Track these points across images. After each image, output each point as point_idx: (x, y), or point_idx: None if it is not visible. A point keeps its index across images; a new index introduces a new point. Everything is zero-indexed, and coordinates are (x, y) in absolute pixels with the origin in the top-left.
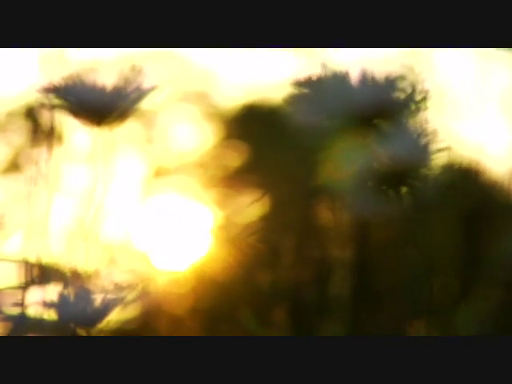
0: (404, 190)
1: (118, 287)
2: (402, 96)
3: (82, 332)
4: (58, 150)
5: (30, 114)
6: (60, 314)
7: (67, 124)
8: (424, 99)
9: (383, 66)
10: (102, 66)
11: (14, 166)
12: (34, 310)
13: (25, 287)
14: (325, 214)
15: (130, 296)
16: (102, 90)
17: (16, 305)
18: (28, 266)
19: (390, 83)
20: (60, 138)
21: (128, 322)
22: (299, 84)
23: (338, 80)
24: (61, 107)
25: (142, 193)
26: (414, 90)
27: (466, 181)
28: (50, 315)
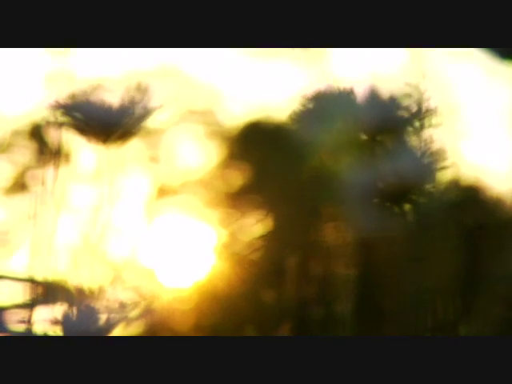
0: (408, 206)
1: (123, 305)
2: (407, 114)
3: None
4: (64, 167)
5: (37, 131)
6: (65, 331)
7: (74, 142)
8: (428, 117)
9: (388, 79)
10: (108, 83)
11: (19, 185)
12: (39, 328)
13: (30, 305)
14: (329, 232)
15: (134, 314)
16: (109, 108)
17: (22, 322)
18: (34, 283)
19: (395, 101)
20: (67, 156)
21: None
22: (306, 99)
23: (344, 96)
24: (67, 125)
25: (146, 211)
26: (418, 108)
27: (469, 198)
28: (56, 332)
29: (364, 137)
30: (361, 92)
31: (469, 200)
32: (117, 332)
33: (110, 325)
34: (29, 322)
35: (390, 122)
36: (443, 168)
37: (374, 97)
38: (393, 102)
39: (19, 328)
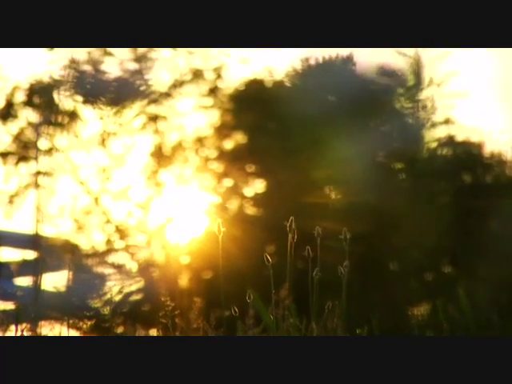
0: (404, 167)
1: (123, 267)
2: (401, 80)
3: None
4: (70, 132)
5: (45, 96)
6: (68, 287)
7: (79, 108)
8: (421, 83)
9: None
10: (114, 51)
11: (25, 146)
12: (44, 284)
13: (36, 262)
14: (326, 194)
15: (135, 272)
16: (114, 77)
17: (28, 277)
18: (38, 241)
19: (389, 68)
20: (72, 119)
21: (133, 293)
22: (304, 63)
23: (339, 64)
24: (74, 91)
25: (147, 174)
26: (413, 75)
27: (466, 155)
28: (59, 288)
29: (359, 102)
30: (357, 61)
31: (465, 157)
32: (116, 294)
33: (111, 283)
34: (35, 277)
35: (383, 87)
36: (439, 125)
37: (369, 65)
38: (387, 70)
39: (24, 283)
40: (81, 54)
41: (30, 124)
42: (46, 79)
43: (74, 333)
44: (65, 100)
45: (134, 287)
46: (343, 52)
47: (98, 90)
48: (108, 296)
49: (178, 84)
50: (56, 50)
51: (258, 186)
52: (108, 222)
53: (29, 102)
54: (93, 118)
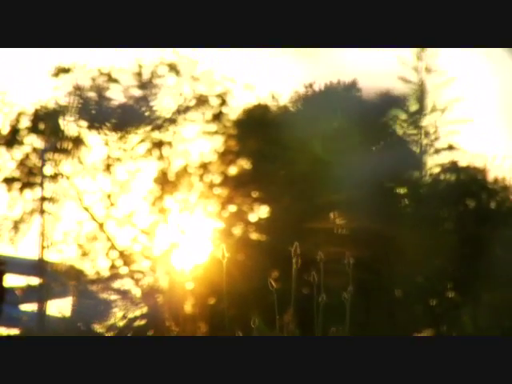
0: (407, 191)
1: (128, 292)
2: (404, 106)
3: (93, 329)
4: (74, 158)
5: (50, 122)
6: (73, 312)
7: (84, 134)
8: (425, 109)
9: (386, 75)
10: (117, 76)
11: (30, 173)
12: (49, 309)
13: (41, 287)
14: (330, 219)
15: (140, 296)
16: (119, 103)
17: (33, 302)
18: (43, 267)
19: (393, 94)
20: (77, 145)
21: (137, 318)
22: (308, 90)
23: (343, 89)
24: (79, 117)
25: (152, 199)
26: (417, 101)
27: (470, 180)
28: (64, 314)
29: (362, 128)
30: (360, 87)
31: (468, 182)
32: (120, 318)
33: (114, 307)
34: (38, 303)
35: (387, 113)
36: (442, 151)
37: (372, 91)
38: (391, 96)
39: (29, 308)
40: (85, 80)
41: (34, 150)
42: (51, 105)
43: None
44: (70, 126)
45: (138, 312)
46: (347, 78)
47: (103, 116)
48: (112, 321)
49: (182, 110)
50: (61, 76)
51: (262, 212)
52: (112, 247)
53: (34, 128)
54: (97, 143)
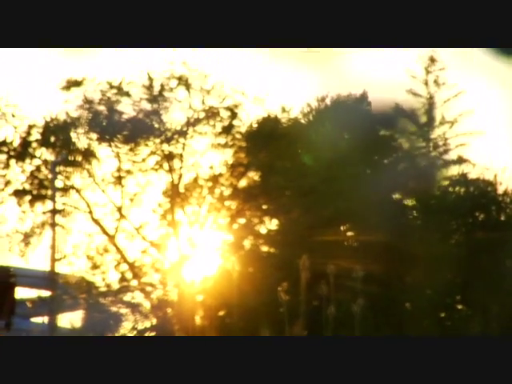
0: (417, 206)
1: (138, 305)
2: (414, 119)
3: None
4: (86, 170)
5: (61, 134)
6: (83, 324)
7: (95, 146)
8: (434, 122)
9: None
10: (127, 87)
11: (41, 185)
12: (59, 321)
13: (51, 299)
14: (338, 235)
15: (148, 308)
16: (129, 116)
17: (44, 315)
18: (55, 280)
19: (402, 109)
20: (88, 160)
21: (147, 330)
22: (320, 102)
23: (353, 103)
24: (90, 130)
25: (162, 214)
26: (426, 113)
27: (480, 193)
28: (74, 326)
29: (372, 140)
30: (370, 100)
31: (478, 195)
32: (131, 329)
33: (126, 319)
34: (48, 315)
35: (396, 126)
36: (450, 163)
37: (382, 104)
38: (401, 109)
39: (39, 320)
40: (96, 93)
41: (45, 162)
42: (61, 118)
43: None
44: (80, 138)
45: (147, 324)
46: (357, 91)
47: (113, 129)
48: (122, 333)
49: (192, 122)
50: (72, 89)
51: (271, 224)
52: (123, 260)
53: (44, 141)
54: (108, 156)
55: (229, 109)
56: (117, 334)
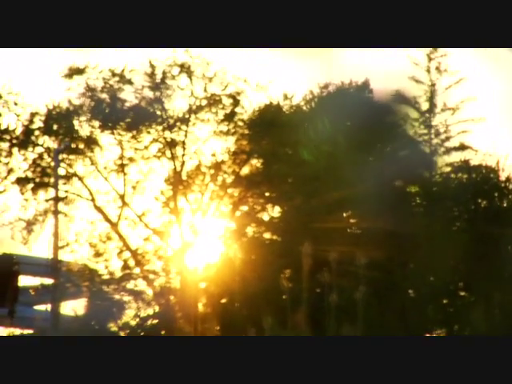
0: (419, 193)
1: (140, 291)
2: (416, 106)
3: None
4: (88, 158)
5: (63, 122)
6: (86, 312)
7: (98, 134)
8: (436, 109)
9: (396, 76)
10: (134, 77)
11: (44, 173)
12: (62, 309)
13: (55, 287)
14: (340, 222)
15: (151, 296)
16: (132, 104)
17: (47, 302)
18: (58, 268)
19: (404, 96)
20: (90, 148)
21: (149, 317)
22: (321, 88)
23: (355, 90)
24: (92, 118)
25: (165, 202)
26: (428, 101)
27: (482, 179)
28: (77, 313)
29: (374, 127)
30: (372, 87)
31: (480, 181)
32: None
33: (127, 307)
34: (51, 302)
35: (399, 113)
36: (452, 150)
37: (384, 91)
38: (402, 96)
39: (42, 308)
40: (98, 81)
41: (47, 150)
42: (64, 106)
43: None
44: (83, 126)
45: (150, 311)
46: (359, 79)
47: (116, 116)
48: (125, 320)
49: (194, 110)
50: (74, 77)
51: (274, 212)
52: (126, 247)
53: (47, 129)
54: (110, 144)
55: (231, 96)
56: (120, 321)
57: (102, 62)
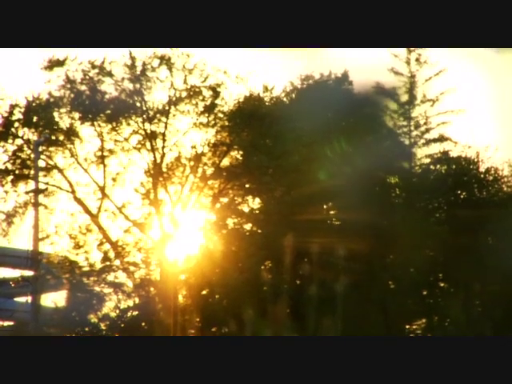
0: (398, 183)
1: (120, 283)
2: (396, 98)
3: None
4: (68, 150)
5: (43, 114)
6: (66, 304)
7: (78, 126)
8: (416, 101)
9: (376, 67)
10: (114, 69)
11: (24, 166)
12: (42, 300)
13: (35, 279)
14: (320, 214)
15: (132, 287)
16: (112, 95)
17: (27, 294)
18: (38, 260)
19: (382, 87)
20: (70, 140)
21: (130, 309)
22: (300, 80)
23: (335, 82)
24: (72, 110)
25: (144, 193)
26: (407, 94)
27: (461, 171)
28: (57, 305)
29: (353, 119)
30: (351, 79)
31: (460, 173)
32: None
33: (106, 299)
34: (32, 294)
35: (378, 105)
36: (431, 142)
37: (363, 83)
38: (382, 88)
39: (22, 300)
40: (78, 73)
41: (27, 142)
42: (44, 98)
43: None
44: (63, 118)
45: (130, 303)
46: (339, 70)
47: (96, 108)
48: (105, 312)
49: (174, 101)
50: (54, 69)
51: (254, 203)
52: (106, 239)
53: (27, 121)
54: (90, 135)
55: (211, 88)
56: (100, 313)
57: (81, 54)
